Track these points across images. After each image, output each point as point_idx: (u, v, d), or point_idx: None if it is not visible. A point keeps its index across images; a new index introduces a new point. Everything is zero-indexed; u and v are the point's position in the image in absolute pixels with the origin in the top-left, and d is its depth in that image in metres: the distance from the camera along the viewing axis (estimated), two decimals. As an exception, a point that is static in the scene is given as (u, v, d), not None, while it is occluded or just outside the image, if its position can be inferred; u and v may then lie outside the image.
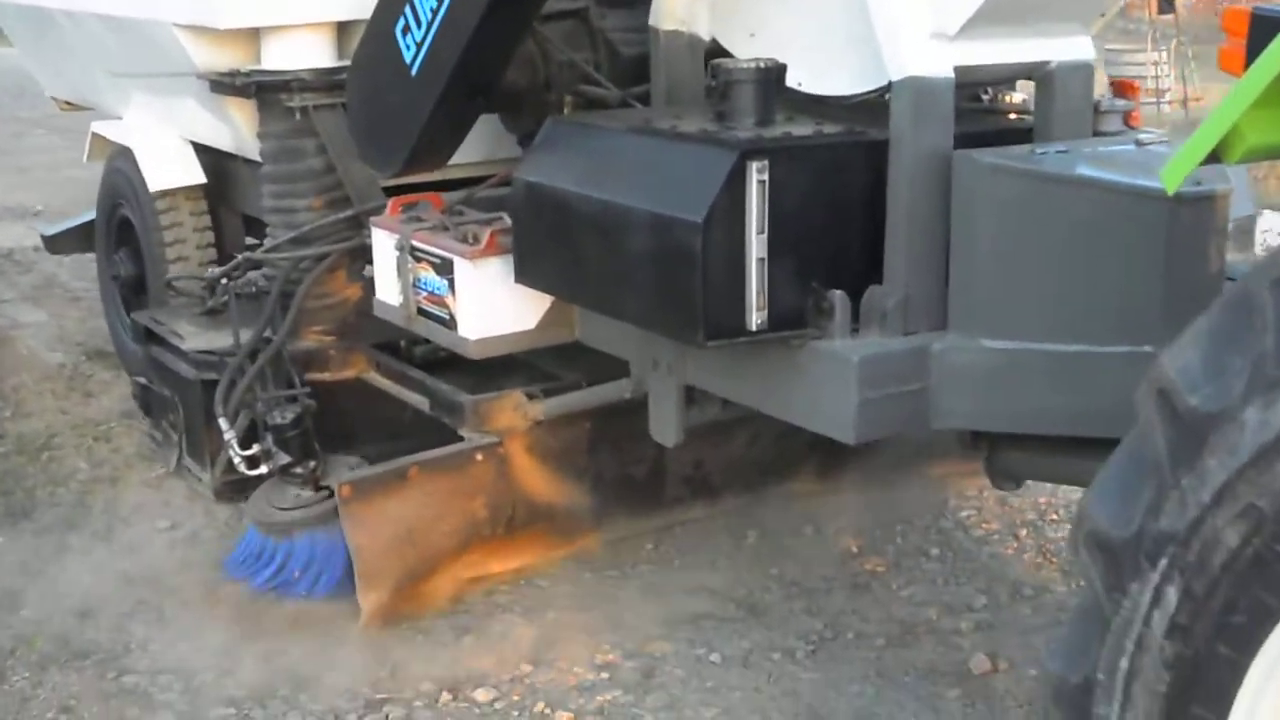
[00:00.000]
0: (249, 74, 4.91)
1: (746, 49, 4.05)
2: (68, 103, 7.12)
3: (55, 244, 7.27)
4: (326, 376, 4.97)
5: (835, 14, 3.79)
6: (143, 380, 5.60)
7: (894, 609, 4.44)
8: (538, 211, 3.88)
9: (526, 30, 4.18)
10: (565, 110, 4.42)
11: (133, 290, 6.16)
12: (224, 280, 5.22)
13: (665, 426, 3.98)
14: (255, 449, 4.60)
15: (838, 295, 3.49)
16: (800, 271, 3.50)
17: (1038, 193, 3.37)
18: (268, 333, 4.91)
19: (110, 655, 4.28)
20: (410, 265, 4.33)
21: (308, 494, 4.60)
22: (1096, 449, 3.22)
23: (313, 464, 4.59)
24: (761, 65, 3.57)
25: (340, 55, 4.98)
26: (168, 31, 5.09)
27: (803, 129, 3.54)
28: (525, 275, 3.99)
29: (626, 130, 3.71)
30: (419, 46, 4.19)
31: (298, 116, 4.88)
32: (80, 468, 5.63)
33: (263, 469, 4.59)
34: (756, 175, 3.38)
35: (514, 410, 4.51)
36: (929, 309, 3.53)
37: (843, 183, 3.54)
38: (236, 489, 5.14)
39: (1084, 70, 3.70)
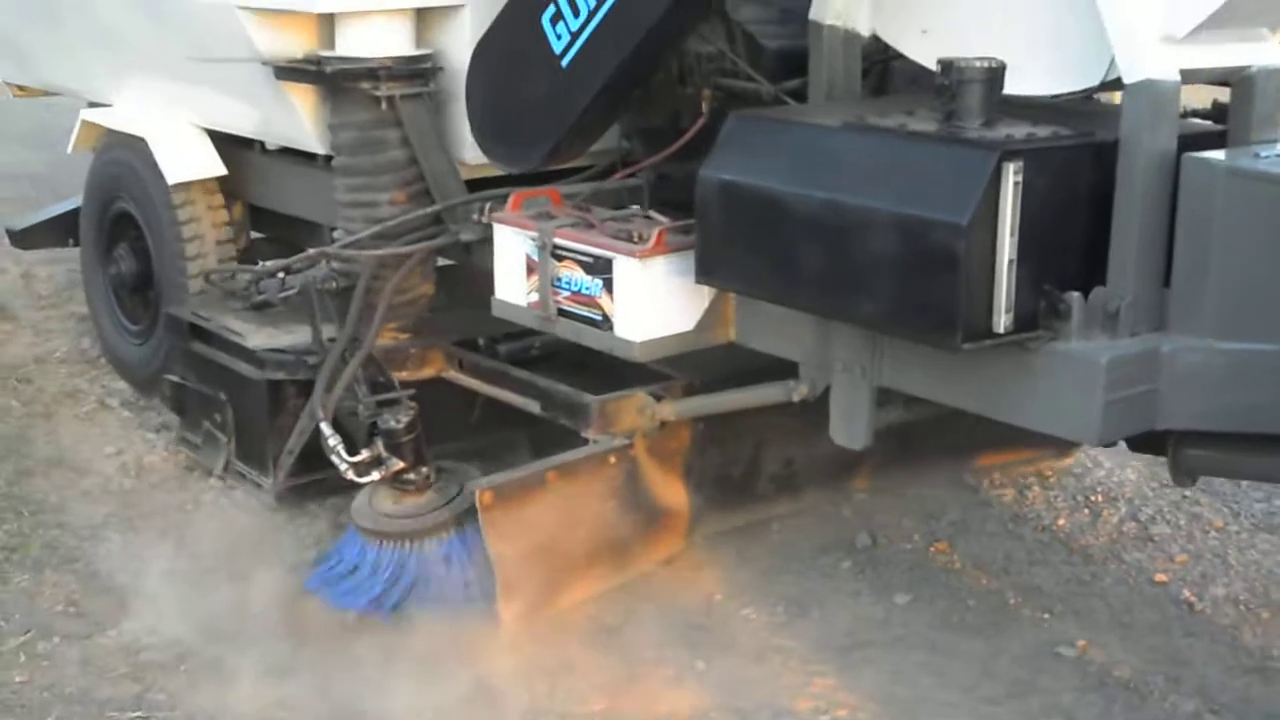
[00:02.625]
0: (328, 60, 4.60)
1: (917, 46, 3.99)
2: (20, 88, 6.62)
3: (24, 239, 6.78)
4: (404, 375, 4.73)
5: (1034, 13, 3.73)
6: (176, 379, 5.23)
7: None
8: (734, 210, 3.73)
9: (701, 21, 4.01)
10: (704, 105, 4.25)
11: (134, 288, 5.76)
12: (280, 275, 4.90)
13: (853, 429, 3.90)
14: (365, 454, 4.30)
15: (1075, 297, 3.45)
16: (1037, 273, 3.44)
17: (1272, 194, 3.37)
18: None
19: (96, 558, 4.64)
20: (551, 264, 4.12)
21: (418, 501, 4.35)
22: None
23: (425, 470, 4.34)
24: (992, 65, 3.49)
25: (418, 43, 4.71)
26: (229, 14, 4.75)
27: (1035, 129, 3.47)
28: (712, 276, 3.86)
29: (847, 128, 3.59)
30: (574, 37, 4.03)
31: (384, 106, 4.61)
32: (13, 405, 5.86)
33: (374, 476, 4.30)
34: (1013, 177, 3.31)
35: (638, 411, 4.35)
36: (1149, 310, 3.51)
37: (1075, 184, 3.50)
38: (299, 493, 4.89)
39: (1278, 75, 3.72)
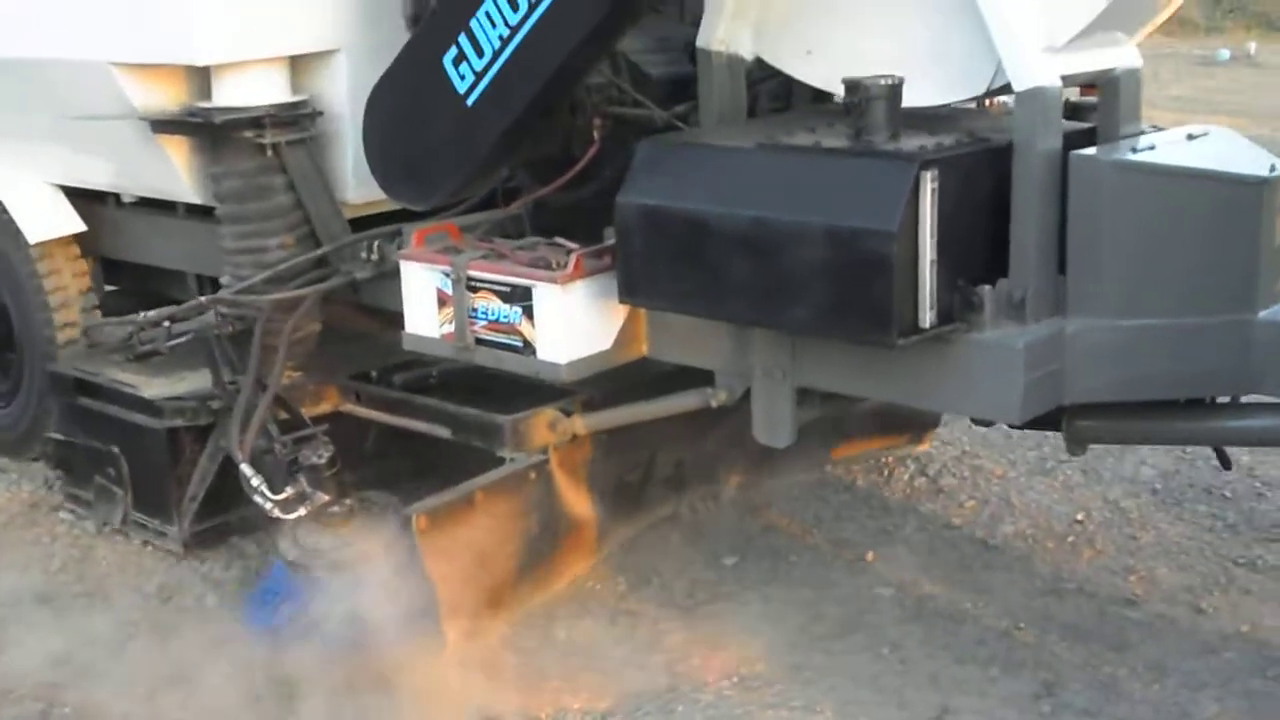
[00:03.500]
0: (212, 112, 4.64)
1: (803, 67, 4.23)
2: None
3: None
4: (303, 412, 4.78)
5: (915, 32, 4.00)
6: (59, 436, 5.17)
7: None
8: (656, 233, 3.93)
9: (605, 56, 4.20)
10: (595, 133, 4.42)
11: (-6, 348, 5.68)
12: (165, 324, 4.92)
13: (777, 428, 4.12)
14: (289, 492, 4.37)
15: (986, 290, 3.73)
16: (951, 271, 3.72)
17: (1154, 185, 3.72)
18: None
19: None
20: (466, 296, 4.25)
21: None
22: (1169, 411, 3.90)
23: (348, 502, 4.43)
24: (894, 82, 3.76)
25: (294, 90, 4.78)
26: (101, 70, 4.74)
27: (938, 139, 3.75)
28: (636, 295, 4.04)
29: (762, 149, 3.81)
30: (479, 77, 4.15)
31: (268, 153, 4.67)
32: None
33: (300, 511, 4.36)
34: (930, 184, 3.58)
35: (549, 427, 4.51)
36: (1048, 297, 3.82)
37: (978, 186, 3.78)
38: (205, 539, 4.92)
39: (1137, 75, 4.07)
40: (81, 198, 5.50)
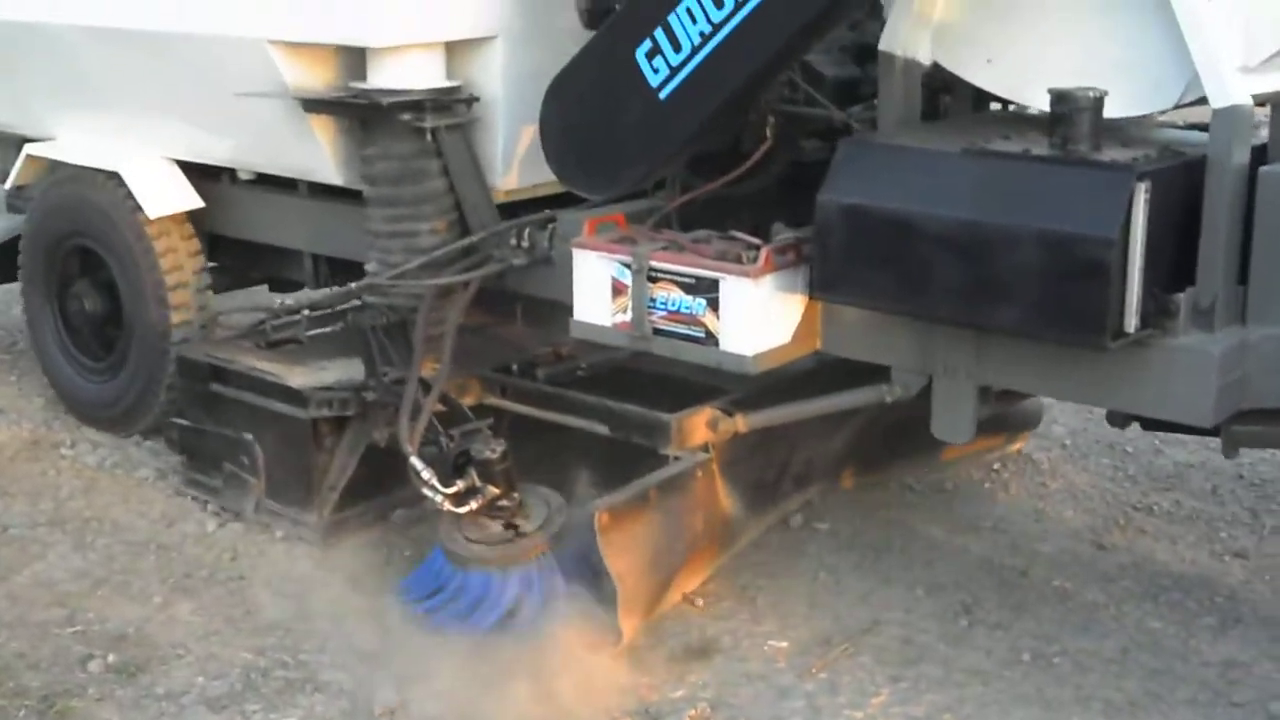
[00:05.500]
0: (373, 94, 4.83)
1: (983, 74, 4.51)
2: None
3: None
4: (463, 405, 4.97)
5: (1100, 43, 4.30)
6: (185, 422, 5.33)
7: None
8: (858, 231, 4.19)
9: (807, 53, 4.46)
10: (768, 131, 4.67)
11: (95, 325, 5.80)
12: (305, 312, 5.10)
13: (957, 425, 4.39)
14: (460, 485, 4.55)
15: (1182, 298, 4.04)
16: (1150, 278, 4.01)
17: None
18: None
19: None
20: (645, 286, 4.48)
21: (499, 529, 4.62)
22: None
23: (516, 496, 4.62)
24: (1098, 94, 4.05)
25: (448, 75, 4.99)
26: (258, 49, 4.92)
27: (1140, 151, 4.05)
28: (832, 291, 4.30)
29: (969, 154, 4.08)
30: (674, 71, 4.37)
31: (428, 138, 4.86)
32: None
33: (471, 505, 4.55)
34: (1143, 195, 3.88)
35: (709, 426, 4.75)
36: (1231, 306, 4.13)
37: (1174, 198, 4.07)
38: (343, 529, 5.09)
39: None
40: (194, 174, 5.64)
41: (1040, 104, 4.34)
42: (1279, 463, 5.85)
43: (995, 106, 5.00)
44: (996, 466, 5.89)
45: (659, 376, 4.99)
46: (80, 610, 4.76)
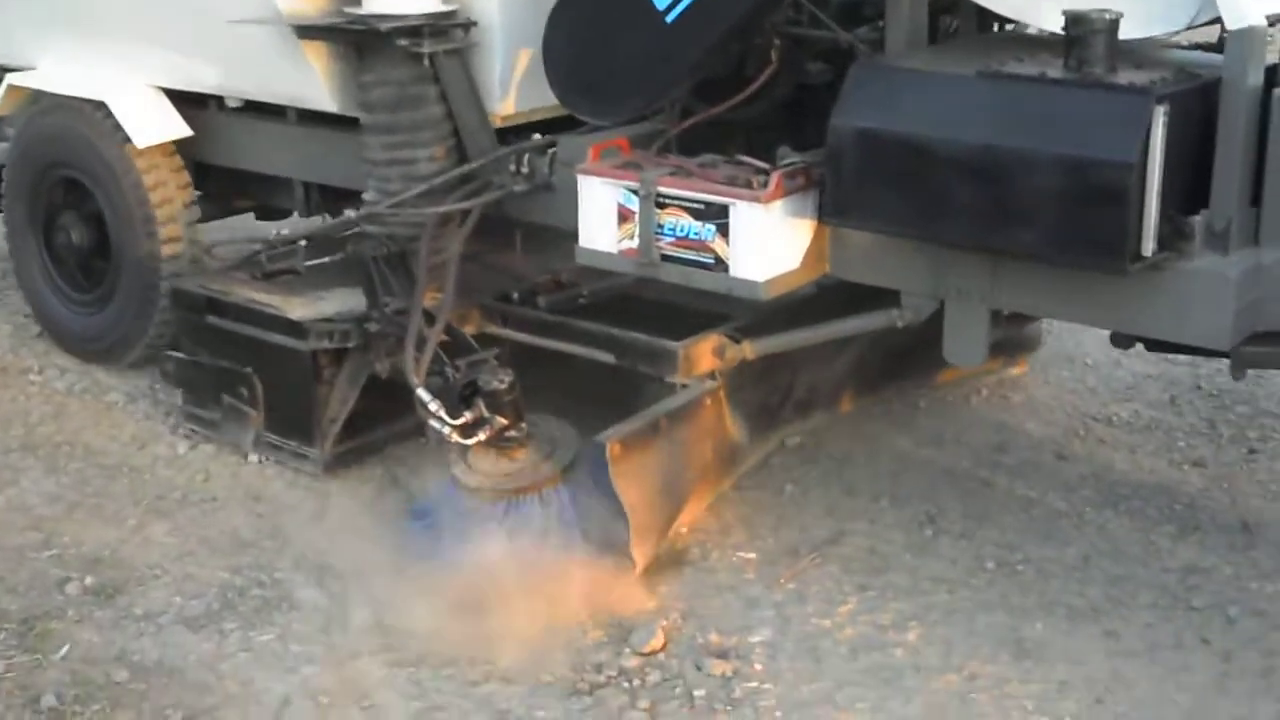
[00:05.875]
0: (372, 19, 4.77)
1: (1006, -1, 4.47)
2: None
3: None
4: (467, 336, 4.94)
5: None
6: (181, 355, 5.29)
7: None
8: (872, 155, 4.18)
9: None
10: (773, 54, 4.64)
11: (82, 257, 5.74)
12: (302, 243, 5.06)
13: (970, 349, 4.40)
14: (468, 416, 4.53)
15: (1197, 220, 4.05)
16: (1165, 201, 4.02)
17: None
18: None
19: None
20: (653, 212, 4.46)
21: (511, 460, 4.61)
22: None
23: (525, 426, 4.61)
24: (1113, 17, 4.04)
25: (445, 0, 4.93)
26: (248, -27, 4.85)
27: (1156, 74, 4.05)
28: (845, 216, 4.30)
29: (984, 77, 4.07)
30: (682, -5, 4.32)
31: (425, 63, 4.81)
32: None
33: (480, 436, 4.53)
34: (1161, 118, 3.88)
35: (714, 353, 4.74)
36: (1245, 228, 4.14)
37: (1191, 121, 4.07)
38: (344, 460, 5.08)
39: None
40: (180, 102, 5.57)
41: (1049, 25, 4.34)
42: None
43: (996, 27, 5.00)
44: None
45: (659, 303, 4.98)
46: (55, 534, 4.85)
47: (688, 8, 4.35)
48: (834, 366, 5.39)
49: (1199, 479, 5.24)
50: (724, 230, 4.41)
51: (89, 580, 4.58)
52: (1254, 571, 4.63)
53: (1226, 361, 4.15)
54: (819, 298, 4.86)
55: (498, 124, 5.08)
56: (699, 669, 4.14)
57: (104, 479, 5.22)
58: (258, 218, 6.38)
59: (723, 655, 4.20)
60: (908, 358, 5.52)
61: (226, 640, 4.29)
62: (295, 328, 4.99)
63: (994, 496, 5.08)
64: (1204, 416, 5.73)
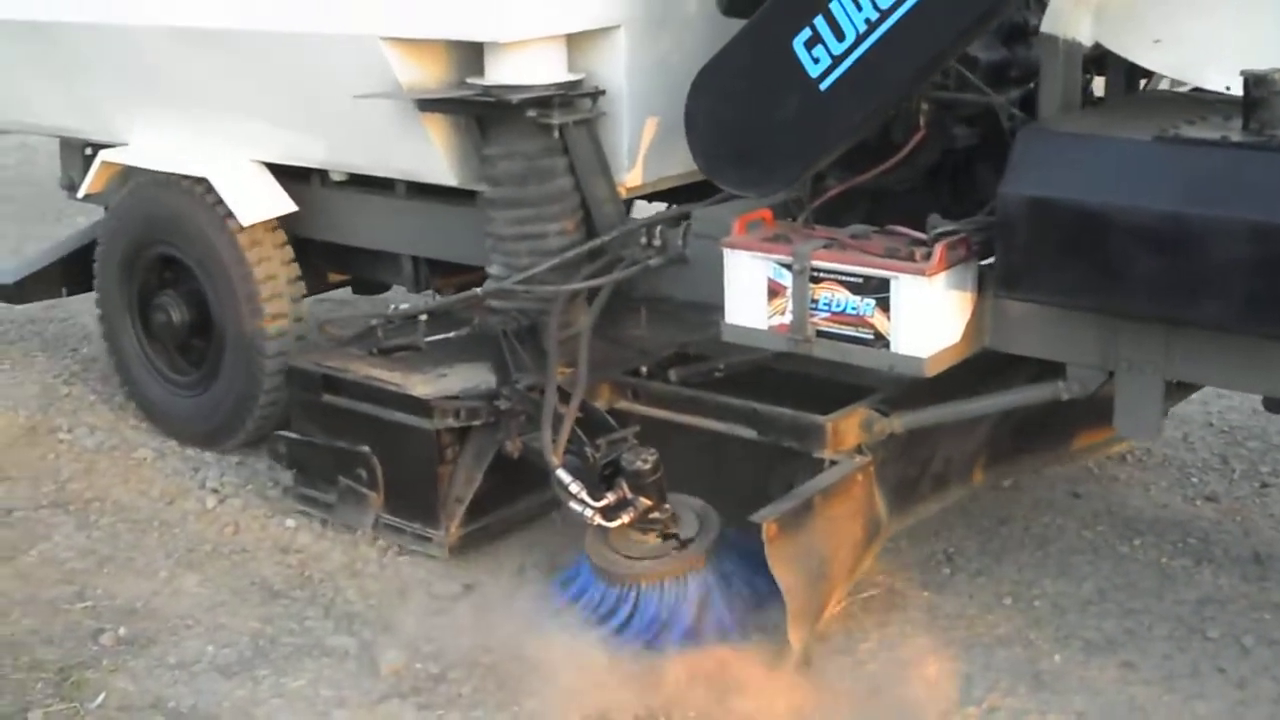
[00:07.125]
0: (500, 90, 4.69)
1: (1150, 55, 4.42)
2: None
3: (23, 292, 6.41)
4: (603, 413, 4.84)
5: (1272, 24, 4.21)
6: (294, 435, 5.18)
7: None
8: (1045, 225, 4.08)
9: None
10: (921, 118, 4.56)
11: (182, 337, 5.64)
12: (423, 318, 4.97)
13: (1144, 423, 4.31)
14: (610, 498, 4.42)
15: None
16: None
17: None
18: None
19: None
20: (807, 287, 4.37)
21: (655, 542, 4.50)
22: None
23: (668, 508, 4.50)
24: (1290, 77, 3.97)
25: (570, 68, 4.85)
26: (370, 46, 4.76)
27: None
28: (1018, 289, 4.20)
29: (1162, 141, 3.98)
30: (836, 61, 4.25)
31: (555, 135, 4.73)
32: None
33: (623, 518, 4.43)
34: (1354, 181, 3.80)
35: (862, 427, 4.65)
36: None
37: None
38: (470, 543, 4.98)
39: None
40: (281, 175, 5.49)
41: (1215, 85, 4.27)
42: (1247, 410, 6.07)
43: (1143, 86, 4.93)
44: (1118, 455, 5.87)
45: (796, 375, 4.87)
46: (89, 587, 4.95)
47: (843, 74, 4.26)
48: (971, 438, 5.28)
49: (1212, 513, 5.35)
50: (884, 305, 4.32)
51: (123, 631, 4.66)
52: (1267, 601, 4.72)
53: (1239, 398, 4.18)
54: (957, 368, 4.75)
55: (623, 194, 4.99)
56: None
57: (135, 533, 5.32)
58: (354, 292, 6.27)
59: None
60: (1040, 426, 5.42)
61: (260, 686, 4.37)
62: (420, 405, 4.87)
63: (1010, 534, 5.20)
64: (1216, 452, 5.84)
